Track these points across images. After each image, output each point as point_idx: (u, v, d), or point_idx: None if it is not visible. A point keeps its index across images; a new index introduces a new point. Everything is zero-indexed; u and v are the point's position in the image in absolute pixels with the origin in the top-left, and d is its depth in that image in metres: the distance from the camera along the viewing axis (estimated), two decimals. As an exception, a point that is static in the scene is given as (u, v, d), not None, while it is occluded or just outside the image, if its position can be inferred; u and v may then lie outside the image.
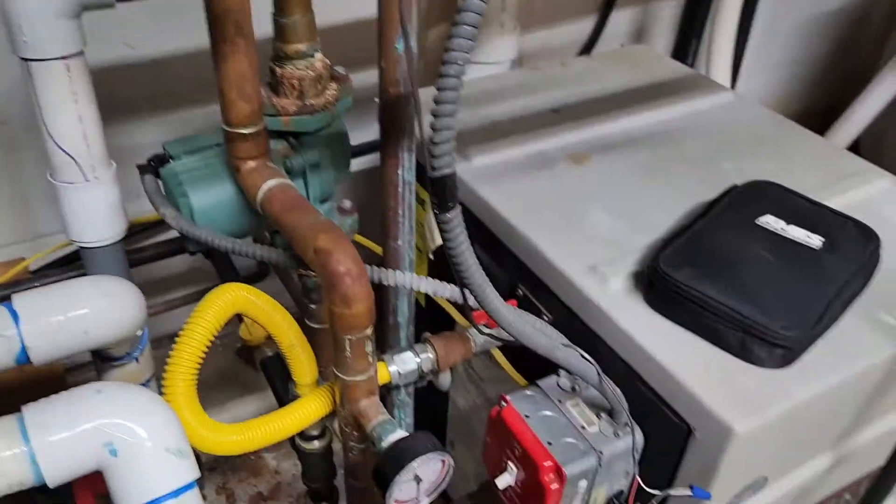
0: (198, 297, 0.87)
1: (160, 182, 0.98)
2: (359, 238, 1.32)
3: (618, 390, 0.87)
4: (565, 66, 1.53)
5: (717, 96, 1.41)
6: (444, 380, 1.40)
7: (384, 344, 1.11)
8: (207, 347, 0.78)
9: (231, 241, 0.88)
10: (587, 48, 2.05)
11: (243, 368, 1.96)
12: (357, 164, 1.66)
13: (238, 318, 1.37)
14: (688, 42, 2.13)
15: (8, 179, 1.46)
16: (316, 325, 1.16)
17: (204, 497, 1.75)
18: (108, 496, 0.72)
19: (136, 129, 1.52)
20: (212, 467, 1.72)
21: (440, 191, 0.56)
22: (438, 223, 0.59)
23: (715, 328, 0.86)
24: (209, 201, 0.92)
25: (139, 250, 1.37)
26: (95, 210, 0.99)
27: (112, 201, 1.04)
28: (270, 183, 0.87)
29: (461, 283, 0.66)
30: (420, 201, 1.27)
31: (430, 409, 1.47)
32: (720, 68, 1.89)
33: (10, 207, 1.50)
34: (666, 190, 1.14)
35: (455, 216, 0.59)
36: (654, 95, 1.38)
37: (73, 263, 1.35)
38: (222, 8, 0.77)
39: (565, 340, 0.92)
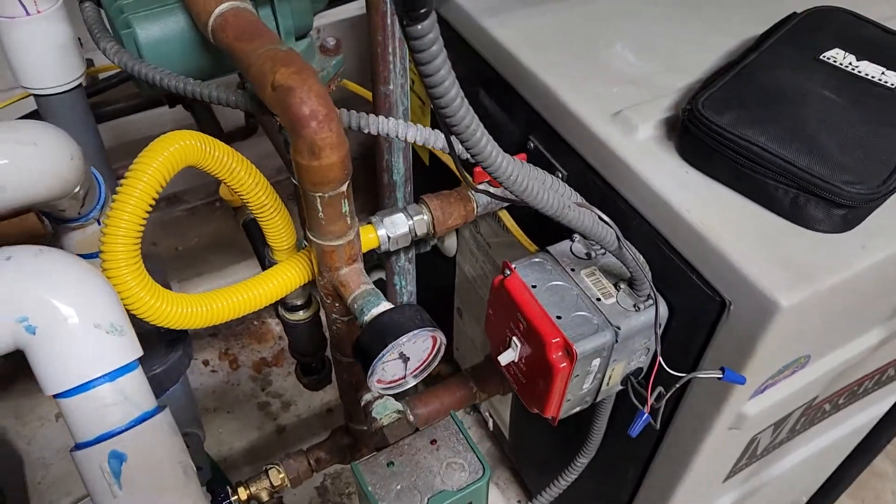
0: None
1: (102, 12, 0.83)
2: (349, 84, 1.16)
3: (640, 257, 0.74)
4: None
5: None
6: (450, 245, 1.29)
7: (379, 205, 0.99)
8: (151, 206, 0.65)
9: (180, 80, 0.74)
10: None
11: (242, 233, 1.86)
12: (345, 10, 1.46)
13: (219, 176, 1.25)
14: None
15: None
16: (302, 184, 1.04)
17: (206, 363, 1.69)
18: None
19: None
20: (213, 333, 1.66)
21: (405, -13, 0.41)
22: (407, 38, 0.44)
23: (762, 184, 0.71)
24: (157, 33, 0.77)
25: (108, 102, 1.23)
26: (43, 50, 0.89)
27: (62, 40, 0.92)
28: (224, 6, 0.71)
29: (444, 124, 0.52)
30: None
31: (437, 276, 1.37)
32: None
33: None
34: (707, 23, 0.96)
35: (431, 28, 0.44)
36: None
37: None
38: None
39: (580, 199, 0.78)
